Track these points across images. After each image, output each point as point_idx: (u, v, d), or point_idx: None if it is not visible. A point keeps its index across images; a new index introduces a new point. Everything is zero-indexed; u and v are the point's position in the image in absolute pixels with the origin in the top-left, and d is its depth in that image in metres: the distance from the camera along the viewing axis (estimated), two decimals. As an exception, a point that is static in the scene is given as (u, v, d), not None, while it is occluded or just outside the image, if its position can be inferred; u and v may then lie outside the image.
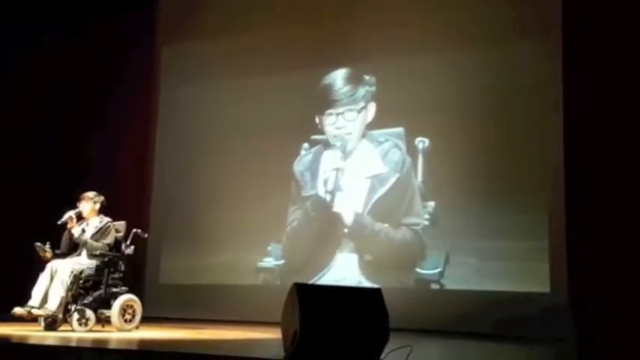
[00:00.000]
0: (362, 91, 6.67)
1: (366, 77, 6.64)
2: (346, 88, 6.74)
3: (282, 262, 6.82)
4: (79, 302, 4.85)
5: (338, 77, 6.81)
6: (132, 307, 4.99)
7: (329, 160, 6.72)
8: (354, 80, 6.72)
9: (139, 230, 5.30)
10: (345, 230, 6.50)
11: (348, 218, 6.49)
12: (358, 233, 6.44)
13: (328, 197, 6.60)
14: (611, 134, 5.41)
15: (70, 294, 4.82)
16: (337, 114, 6.71)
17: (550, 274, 5.53)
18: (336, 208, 6.57)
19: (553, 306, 5.42)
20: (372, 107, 6.61)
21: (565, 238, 5.46)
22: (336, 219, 6.55)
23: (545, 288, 5.53)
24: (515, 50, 6.02)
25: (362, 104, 6.66)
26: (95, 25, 7.64)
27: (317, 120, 6.80)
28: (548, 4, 5.85)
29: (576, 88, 5.55)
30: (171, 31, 7.81)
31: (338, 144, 6.66)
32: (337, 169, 6.61)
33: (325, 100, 6.78)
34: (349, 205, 6.51)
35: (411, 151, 6.33)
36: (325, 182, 6.65)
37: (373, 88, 6.63)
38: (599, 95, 5.47)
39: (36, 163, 7.54)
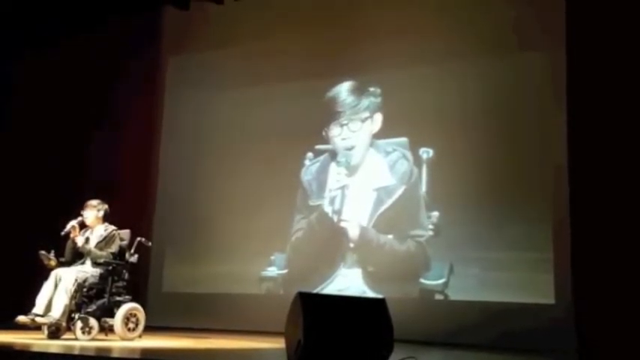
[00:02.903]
0: (366, 101, 6.68)
1: (371, 89, 6.66)
2: (350, 99, 6.77)
3: (285, 271, 6.81)
4: (82, 310, 4.84)
5: (342, 89, 6.84)
6: (135, 315, 4.97)
7: (335, 175, 6.71)
8: (359, 91, 6.75)
9: (143, 239, 5.30)
10: (351, 245, 6.49)
11: (354, 233, 6.48)
12: (363, 247, 6.43)
13: (335, 216, 6.60)
14: (617, 145, 5.39)
15: (73, 302, 4.81)
16: (342, 125, 6.74)
17: (554, 286, 5.51)
18: (342, 223, 6.56)
19: (557, 317, 5.39)
20: (378, 118, 6.62)
21: (569, 249, 5.44)
22: (340, 233, 6.54)
23: (549, 299, 5.51)
24: (520, 60, 6.02)
25: (366, 114, 6.67)
26: (99, 31, 7.64)
27: (324, 133, 6.81)
28: (553, 14, 5.84)
29: (581, 98, 5.54)
30: (176, 39, 7.85)
31: (343, 160, 6.67)
32: (343, 187, 6.61)
33: (330, 113, 6.81)
34: (355, 219, 6.50)
35: (416, 161, 6.33)
36: (332, 200, 6.65)
37: (379, 99, 6.64)
38: (604, 106, 5.45)
39: (39, 171, 7.55)
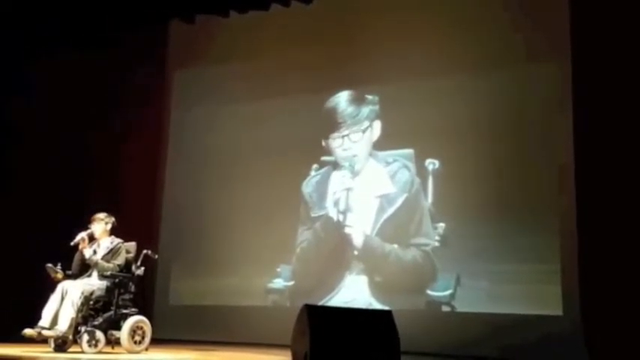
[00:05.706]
0: (365, 110, 6.71)
1: (369, 97, 6.68)
2: (350, 109, 6.79)
3: (291, 283, 6.80)
4: (89, 323, 4.84)
5: (341, 99, 6.86)
6: (141, 328, 4.97)
7: (339, 180, 6.73)
8: (357, 101, 6.77)
9: (150, 251, 5.31)
10: (355, 252, 6.48)
11: (358, 240, 6.48)
12: (368, 255, 6.41)
13: (341, 217, 6.60)
14: (624, 157, 5.38)
15: (80, 315, 4.81)
16: (342, 136, 6.76)
17: (562, 297, 5.48)
18: (346, 229, 6.56)
19: (565, 329, 5.36)
20: (377, 125, 6.64)
21: (577, 261, 5.41)
22: (345, 240, 6.54)
23: (557, 311, 5.47)
24: (525, 72, 6.02)
25: (366, 124, 6.69)
26: (105, 43, 7.65)
27: (324, 144, 6.83)
28: (558, 26, 5.84)
29: (588, 110, 5.52)
30: (182, 53, 7.90)
31: (347, 164, 6.69)
32: (348, 189, 6.62)
33: (330, 124, 6.83)
34: (359, 227, 6.50)
35: (422, 172, 6.33)
36: (336, 203, 6.66)
37: (377, 107, 6.66)
38: (611, 118, 5.43)
39: (48, 184, 7.58)
